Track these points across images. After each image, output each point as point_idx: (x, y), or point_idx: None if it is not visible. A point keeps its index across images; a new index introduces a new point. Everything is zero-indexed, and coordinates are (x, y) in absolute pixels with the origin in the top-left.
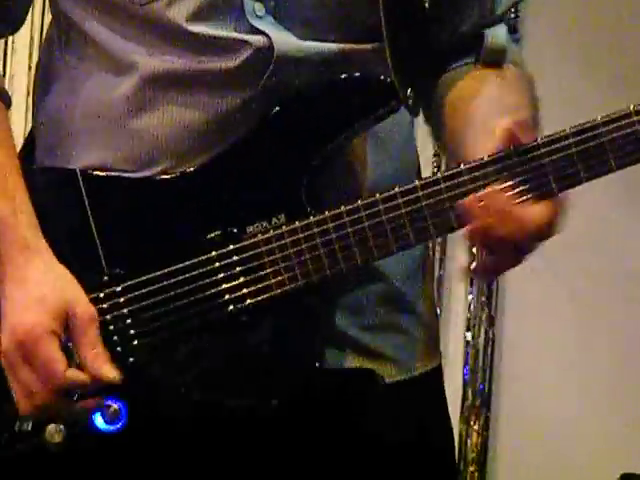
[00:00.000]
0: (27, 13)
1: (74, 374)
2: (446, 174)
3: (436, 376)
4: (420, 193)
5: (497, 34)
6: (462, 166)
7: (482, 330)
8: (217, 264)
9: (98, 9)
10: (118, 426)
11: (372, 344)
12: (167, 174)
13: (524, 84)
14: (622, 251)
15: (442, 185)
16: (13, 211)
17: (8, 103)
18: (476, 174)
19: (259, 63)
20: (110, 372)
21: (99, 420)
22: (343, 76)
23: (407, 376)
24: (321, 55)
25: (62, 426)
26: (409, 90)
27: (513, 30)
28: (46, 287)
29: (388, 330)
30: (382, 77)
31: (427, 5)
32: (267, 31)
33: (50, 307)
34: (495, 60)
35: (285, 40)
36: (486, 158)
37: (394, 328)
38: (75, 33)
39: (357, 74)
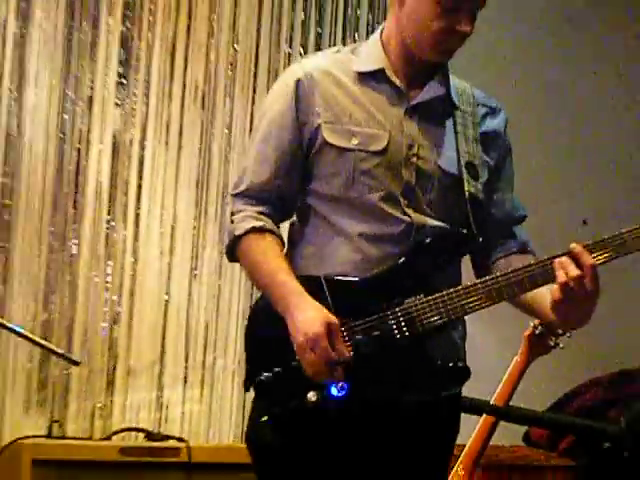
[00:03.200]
0: (296, 203)
1: (333, 354)
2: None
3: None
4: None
5: (522, 234)
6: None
7: None
8: (390, 317)
9: (330, 200)
10: (342, 394)
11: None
12: (365, 277)
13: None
14: None
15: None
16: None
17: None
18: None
19: (409, 229)
20: (346, 354)
21: (333, 390)
22: (455, 230)
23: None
24: (437, 226)
25: (315, 392)
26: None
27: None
28: (314, 312)
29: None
30: (465, 231)
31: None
32: (409, 213)
33: (321, 320)
34: (523, 251)
35: (418, 218)
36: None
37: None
38: (312, 215)
39: (455, 230)
